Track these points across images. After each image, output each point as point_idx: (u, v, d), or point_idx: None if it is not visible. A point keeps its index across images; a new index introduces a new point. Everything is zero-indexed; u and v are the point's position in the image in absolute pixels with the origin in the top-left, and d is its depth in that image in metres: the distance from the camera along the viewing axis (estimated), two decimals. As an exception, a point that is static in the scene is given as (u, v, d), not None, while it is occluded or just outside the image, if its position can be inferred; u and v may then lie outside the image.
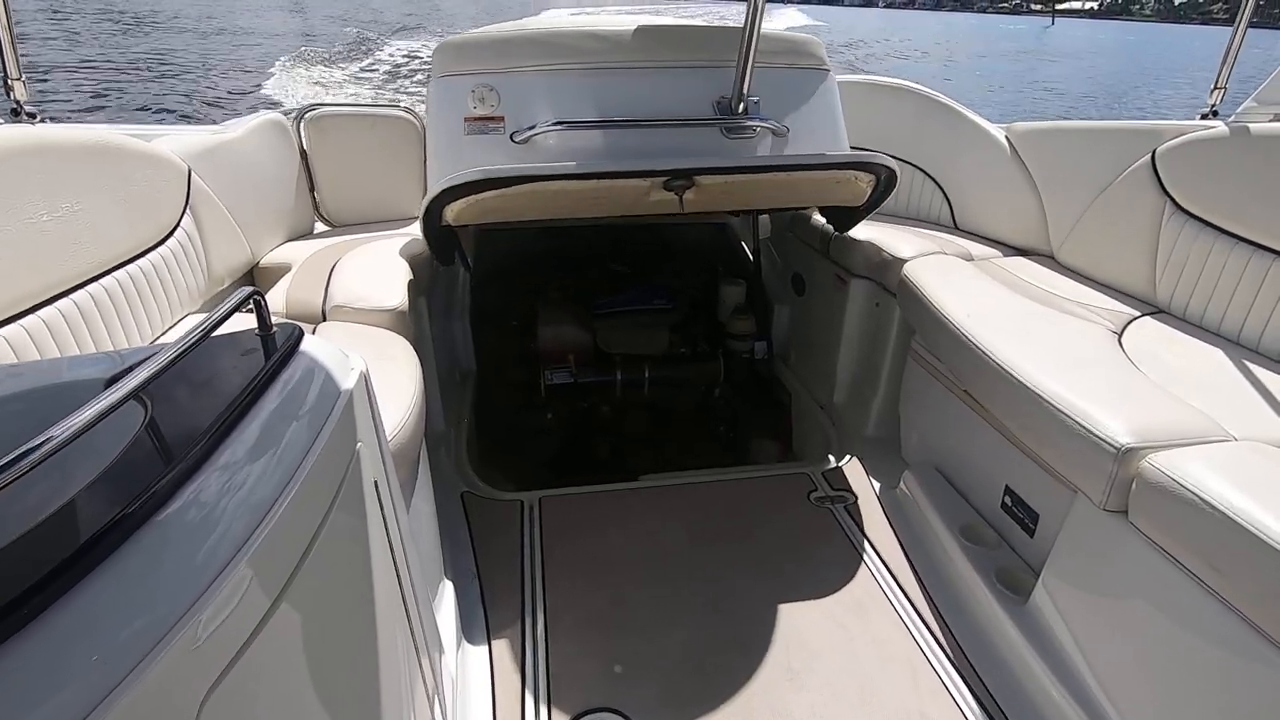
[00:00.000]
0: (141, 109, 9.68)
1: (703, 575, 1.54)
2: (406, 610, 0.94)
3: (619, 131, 1.53)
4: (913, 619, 1.44)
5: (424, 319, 1.89)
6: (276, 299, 1.61)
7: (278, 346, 0.73)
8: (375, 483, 0.83)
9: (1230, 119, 1.70)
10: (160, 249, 1.47)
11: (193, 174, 1.64)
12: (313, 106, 2.27)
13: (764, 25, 1.44)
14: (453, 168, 1.33)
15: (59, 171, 1.23)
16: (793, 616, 1.44)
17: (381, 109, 2.37)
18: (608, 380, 2.38)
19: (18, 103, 1.42)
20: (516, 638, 1.38)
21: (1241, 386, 1.36)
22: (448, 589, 1.40)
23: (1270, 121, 1.61)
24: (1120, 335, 1.55)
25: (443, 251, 1.81)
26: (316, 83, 12.16)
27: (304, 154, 2.26)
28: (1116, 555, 1.15)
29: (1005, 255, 2.09)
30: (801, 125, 1.62)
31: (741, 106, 1.54)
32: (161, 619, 0.47)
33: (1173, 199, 1.71)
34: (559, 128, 1.52)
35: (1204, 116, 1.82)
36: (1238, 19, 1.79)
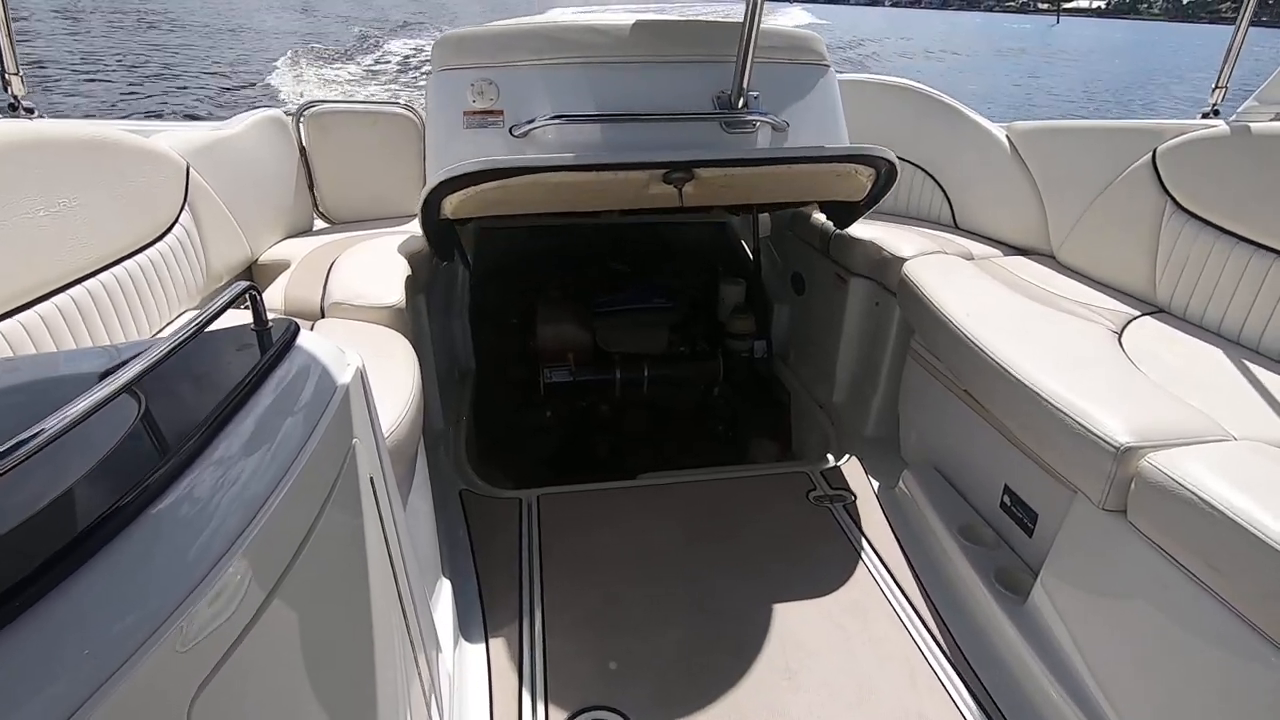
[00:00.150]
0: (151, 114, 9.69)
1: (701, 574, 1.54)
2: (403, 607, 0.93)
3: (618, 125, 1.53)
4: (911, 619, 1.44)
5: (423, 317, 1.88)
6: (275, 296, 1.61)
7: (273, 341, 0.72)
8: (371, 479, 0.82)
9: (1231, 118, 1.70)
10: (158, 245, 1.46)
11: (191, 170, 1.63)
12: (312, 103, 2.27)
13: (765, 22, 1.44)
14: (451, 161, 1.33)
15: (56, 167, 1.22)
16: (791, 616, 1.43)
17: (381, 105, 2.37)
18: (607, 379, 2.38)
19: (15, 98, 1.42)
20: (514, 636, 1.38)
21: (1241, 386, 1.35)
22: (445, 587, 1.39)
23: (1272, 121, 1.61)
24: (1120, 335, 1.55)
25: (442, 247, 1.81)
26: (318, 80, 12.16)
27: (303, 150, 2.26)
28: (1115, 555, 1.15)
29: (1005, 255, 2.08)
30: (801, 120, 1.62)
31: (741, 101, 1.54)
32: (153, 613, 0.46)
33: (1173, 198, 1.71)
34: (558, 121, 1.52)
35: (1205, 115, 1.81)
36: (1239, 18, 1.79)
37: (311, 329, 1.41)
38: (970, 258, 1.97)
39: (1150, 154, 1.77)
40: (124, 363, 0.55)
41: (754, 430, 2.48)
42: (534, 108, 1.53)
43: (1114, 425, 1.13)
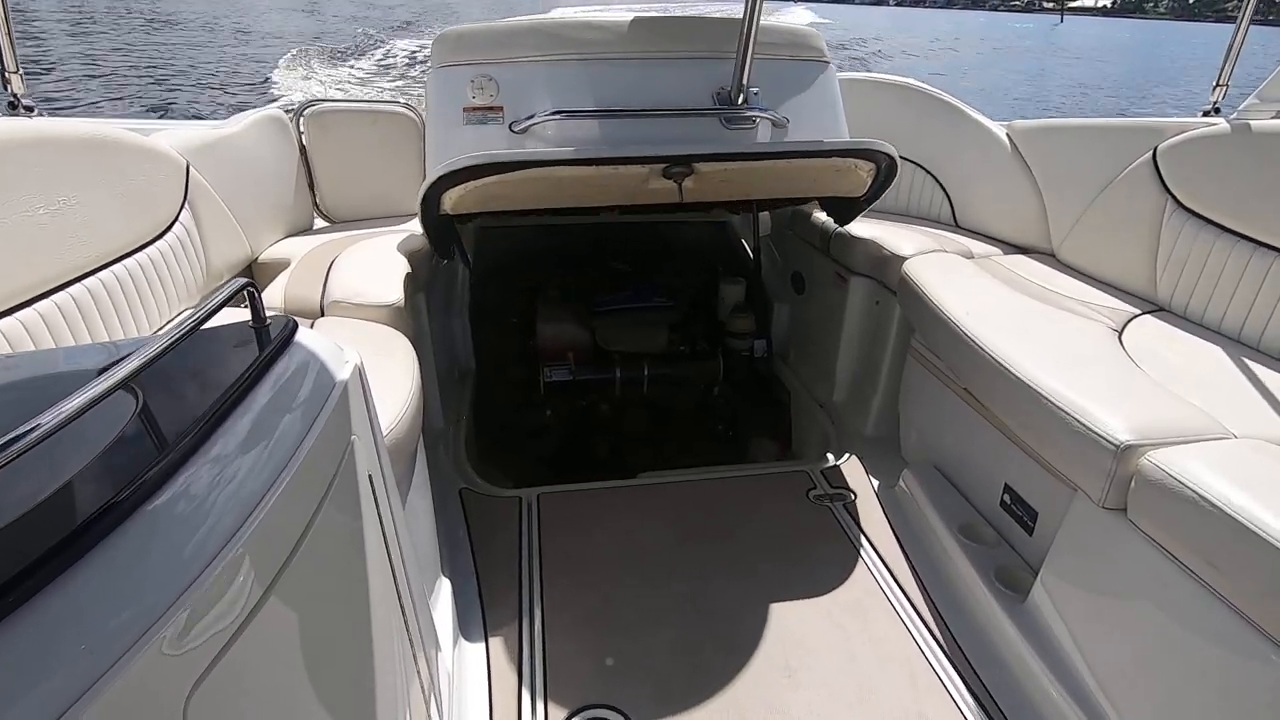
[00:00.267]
0: (154, 110, 9.71)
1: (701, 573, 1.53)
2: (402, 605, 0.93)
3: (618, 121, 1.53)
4: (911, 618, 1.44)
5: (423, 315, 1.88)
6: (275, 294, 1.61)
7: (271, 338, 0.72)
8: (370, 476, 0.82)
9: (1232, 116, 1.70)
10: (158, 244, 1.46)
11: (191, 169, 1.63)
12: (313, 102, 2.27)
13: (767, 20, 1.44)
14: (451, 156, 1.33)
15: (55, 165, 1.22)
16: (791, 615, 1.43)
17: (382, 104, 2.37)
18: (607, 378, 2.38)
19: (15, 96, 1.42)
20: (514, 635, 1.37)
21: (1242, 384, 1.35)
22: (445, 586, 1.39)
23: (1272, 118, 1.61)
24: (1120, 333, 1.55)
25: (441, 243, 1.80)
26: (320, 80, 12.18)
27: (303, 149, 2.26)
28: (1115, 553, 1.14)
29: (1006, 253, 2.08)
30: (801, 116, 1.62)
31: (741, 97, 1.54)
32: (149, 609, 0.46)
33: (1174, 196, 1.70)
34: (557, 117, 1.51)
35: (1206, 113, 1.81)
36: (1240, 17, 1.78)
37: (311, 327, 1.41)
38: (970, 256, 1.97)
39: (1151, 152, 1.77)
40: (121, 359, 0.55)
41: (754, 429, 2.48)
42: (534, 104, 1.53)
43: (1114, 423, 1.13)
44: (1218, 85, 1.81)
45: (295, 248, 1.95)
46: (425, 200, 1.41)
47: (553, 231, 2.64)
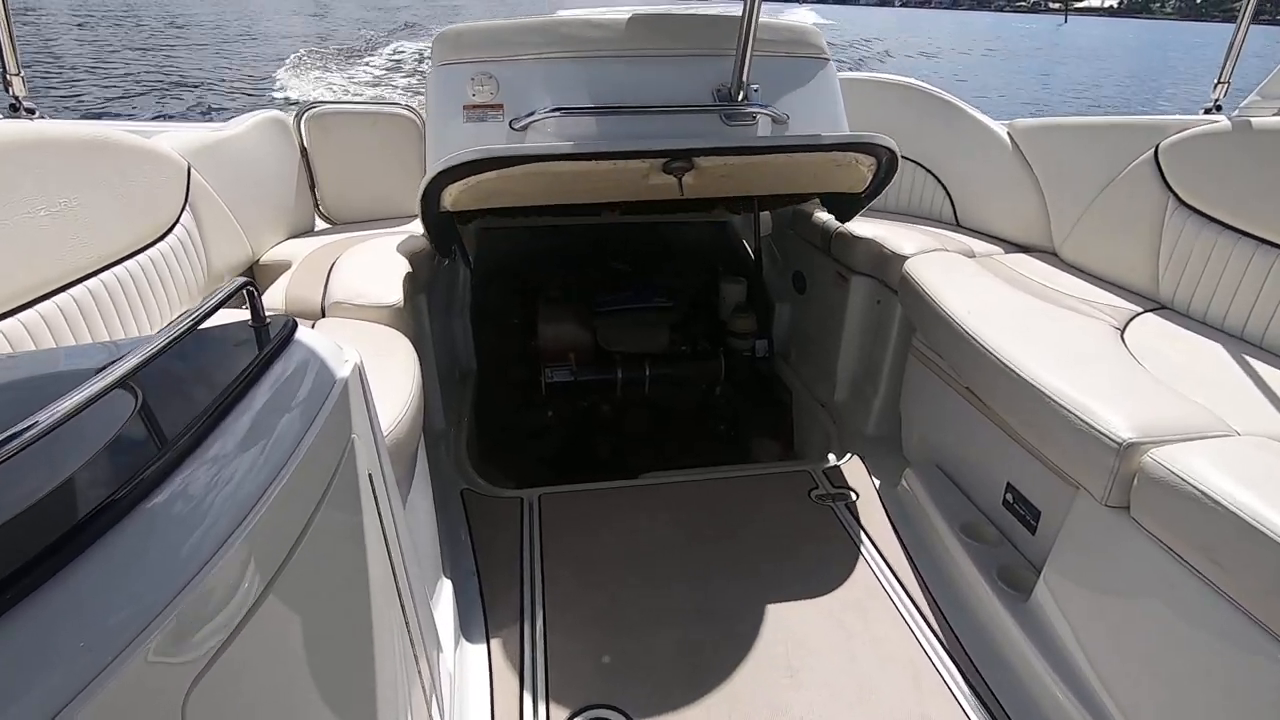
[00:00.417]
0: (159, 116, 9.78)
1: (703, 573, 1.53)
2: (402, 605, 0.93)
3: (618, 118, 1.53)
4: (913, 617, 1.43)
5: (424, 316, 1.88)
6: (276, 296, 1.61)
7: (271, 337, 0.72)
8: (370, 475, 0.82)
9: (1234, 113, 1.69)
10: (159, 245, 1.46)
11: (192, 171, 1.64)
12: (314, 104, 2.28)
13: (766, 17, 1.44)
14: (451, 153, 1.33)
15: (57, 167, 1.23)
16: (793, 615, 1.43)
17: (382, 106, 2.37)
18: (608, 378, 2.38)
19: (16, 98, 1.42)
20: (515, 635, 1.37)
21: (1245, 382, 1.35)
22: (446, 586, 1.39)
23: (1274, 116, 1.60)
24: (1123, 331, 1.54)
25: (442, 242, 1.80)
26: (324, 82, 12.23)
27: (304, 151, 2.26)
28: (1118, 551, 1.14)
29: (1007, 252, 2.08)
30: (801, 112, 1.61)
31: (741, 94, 1.53)
32: (148, 607, 0.46)
33: (1176, 194, 1.70)
34: (557, 114, 1.51)
35: (1207, 111, 1.80)
36: (1240, 15, 1.78)
37: (312, 328, 1.41)
38: (972, 255, 1.97)
39: (1152, 150, 1.76)
40: (119, 358, 0.55)
41: (755, 429, 2.48)
42: (534, 101, 1.53)
43: (1116, 421, 1.13)
44: (1219, 83, 1.81)
45: (296, 249, 1.95)
46: (425, 196, 1.41)
47: (554, 232, 2.64)
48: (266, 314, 0.75)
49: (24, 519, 0.47)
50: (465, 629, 1.38)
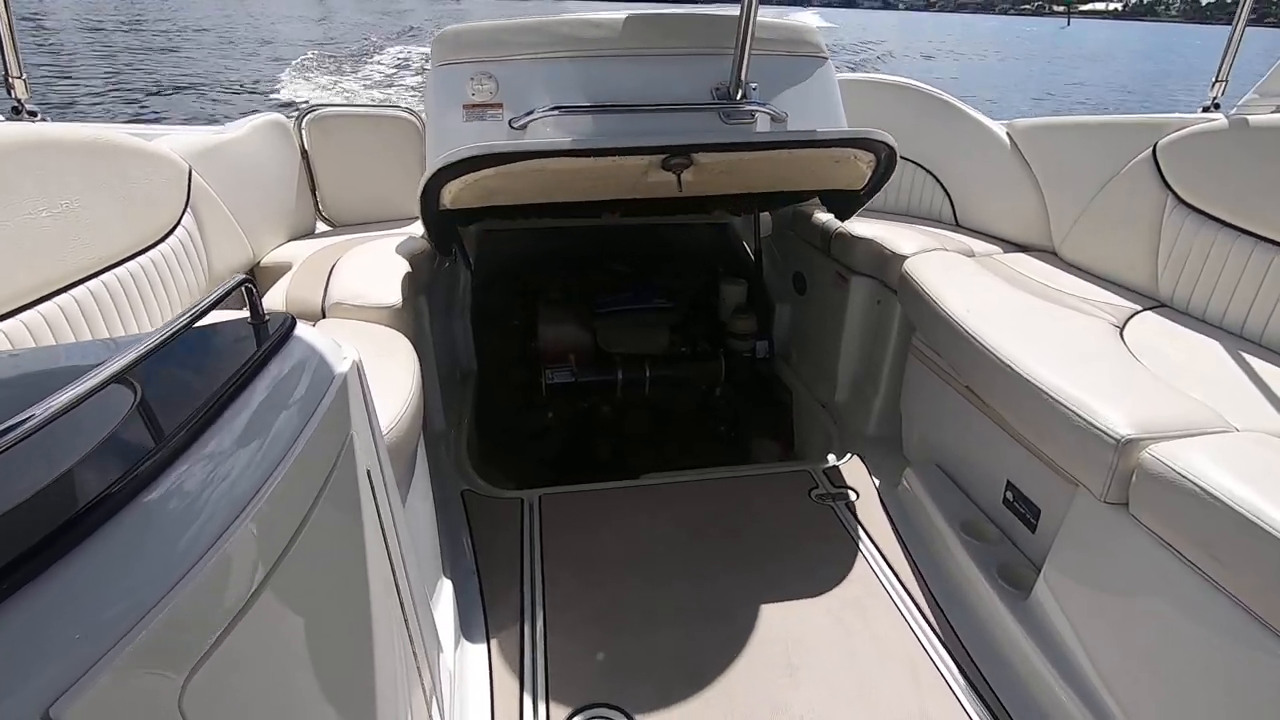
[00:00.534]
0: (161, 120, 9.84)
1: (703, 572, 1.53)
2: (402, 604, 0.93)
3: (617, 116, 1.54)
4: (914, 615, 1.43)
5: (424, 318, 1.89)
6: (276, 297, 1.62)
7: (269, 334, 0.73)
8: (369, 472, 0.82)
9: (1232, 111, 1.69)
10: (160, 247, 1.47)
11: (193, 173, 1.64)
12: (314, 107, 2.29)
13: (764, 16, 1.44)
14: (451, 151, 1.34)
15: (58, 168, 1.23)
16: (793, 613, 1.43)
17: (383, 109, 2.38)
18: (609, 380, 2.38)
19: (18, 101, 1.43)
20: (515, 635, 1.37)
21: (1244, 379, 1.35)
22: (446, 586, 1.39)
23: (1272, 113, 1.60)
24: (1122, 329, 1.54)
25: (441, 241, 1.81)
26: (327, 87, 12.31)
27: (305, 154, 2.27)
28: (1117, 548, 1.14)
29: (1006, 251, 2.08)
30: (800, 110, 1.62)
31: (740, 92, 1.54)
32: (143, 601, 0.46)
33: (1174, 193, 1.70)
34: (556, 112, 1.52)
35: (1205, 109, 1.81)
36: (1237, 14, 1.78)
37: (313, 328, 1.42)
38: (971, 255, 1.97)
39: (1151, 149, 1.76)
40: (118, 354, 0.55)
41: (756, 430, 2.48)
42: (533, 100, 1.53)
43: (1115, 417, 1.13)
44: (1217, 81, 1.81)
45: (297, 251, 1.96)
46: (425, 193, 1.41)
47: (554, 235, 2.64)
48: (265, 312, 0.75)
49: (20, 512, 0.47)
50: (465, 629, 1.38)
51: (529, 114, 1.51)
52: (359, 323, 1.47)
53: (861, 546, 1.62)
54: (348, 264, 1.70)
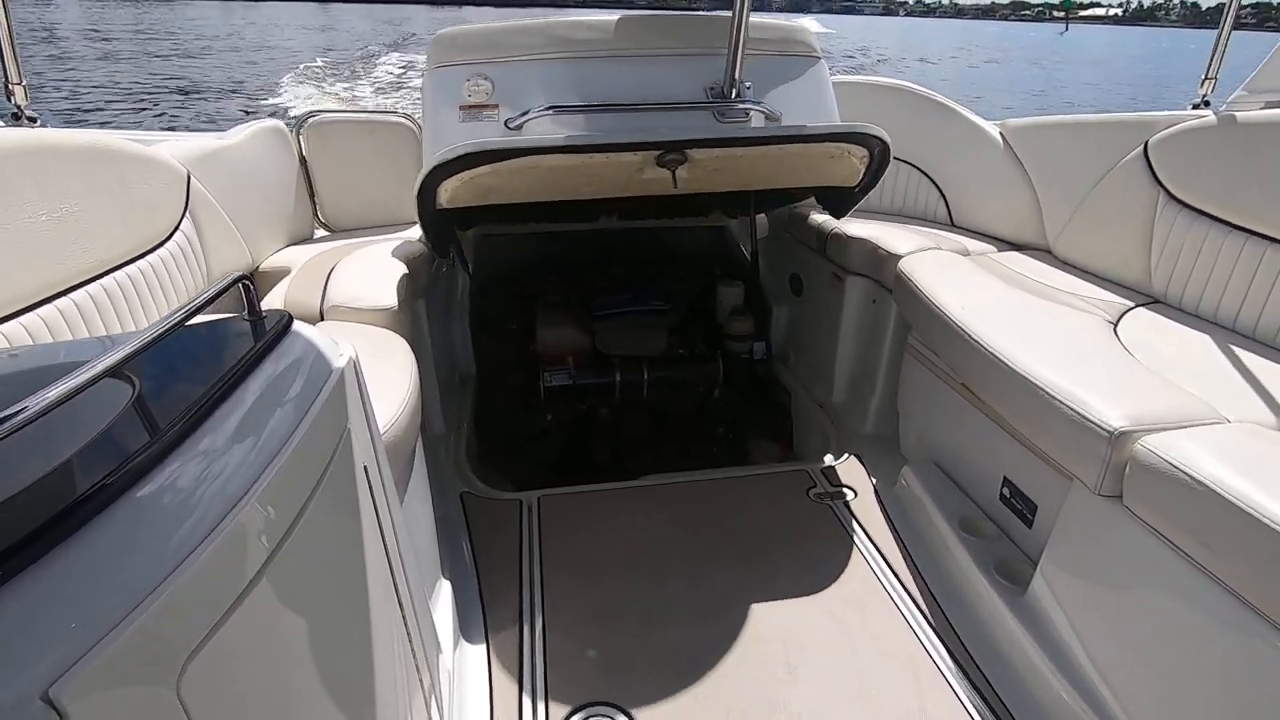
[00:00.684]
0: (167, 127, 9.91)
1: (701, 572, 1.53)
2: (400, 603, 0.94)
3: (612, 115, 1.55)
4: (912, 613, 1.43)
5: (422, 321, 1.90)
6: (275, 301, 1.62)
7: (266, 331, 0.74)
8: (365, 468, 0.83)
9: (1221, 108, 1.71)
10: (159, 251, 1.48)
11: (192, 178, 1.65)
12: (312, 113, 2.30)
13: (757, 17, 1.46)
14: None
15: (58, 173, 1.24)
16: (791, 612, 1.43)
17: (380, 115, 2.40)
18: (607, 382, 2.39)
19: (18, 107, 1.44)
20: (514, 635, 1.38)
21: (1236, 371, 1.35)
22: (445, 587, 1.39)
23: (1260, 110, 1.62)
24: (1116, 325, 1.55)
25: (439, 241, 1.82)
26: (328, 93, 12.40)
27: (303, 160, 2.28)
28: (1112, 540, 1.14)
29: (1001, 250, 2.09)
30: (794, 109, 1.63)
31: (734, 91, 1.56)
32: (135, 593, 0.46)
33: (1166, 189, 1.71)
34: (551, 112, 1.53)
35: (1195, 106, 1.82)
36: (1224, 14, 1.80)
37: None
38: (966, 254, 1.98)
39: (1142, 146, 1.78)
40: (113, 349, 0.56)
41: (754, 431, 2.48)
42: (528, 101, 1.55)
43: (1108, 410, 1.13)
44: (1206, 79, 1.83)
45: (296, 256, 1.97)
46: (422, 191, 1.42)
47: (552, 239, 2.65)
48: (262, 309, 0.76)
49: (16, 501, 0.47)
50: (464, 629, 1.38)
51: (524, 114, 1.53)
52: (357, 325, 1.48)
53: (860, 545, 1.62)
54: (346, 267, 1.71)
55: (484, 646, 1.35)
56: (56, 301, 1.17)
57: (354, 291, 1.54)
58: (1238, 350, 1.44)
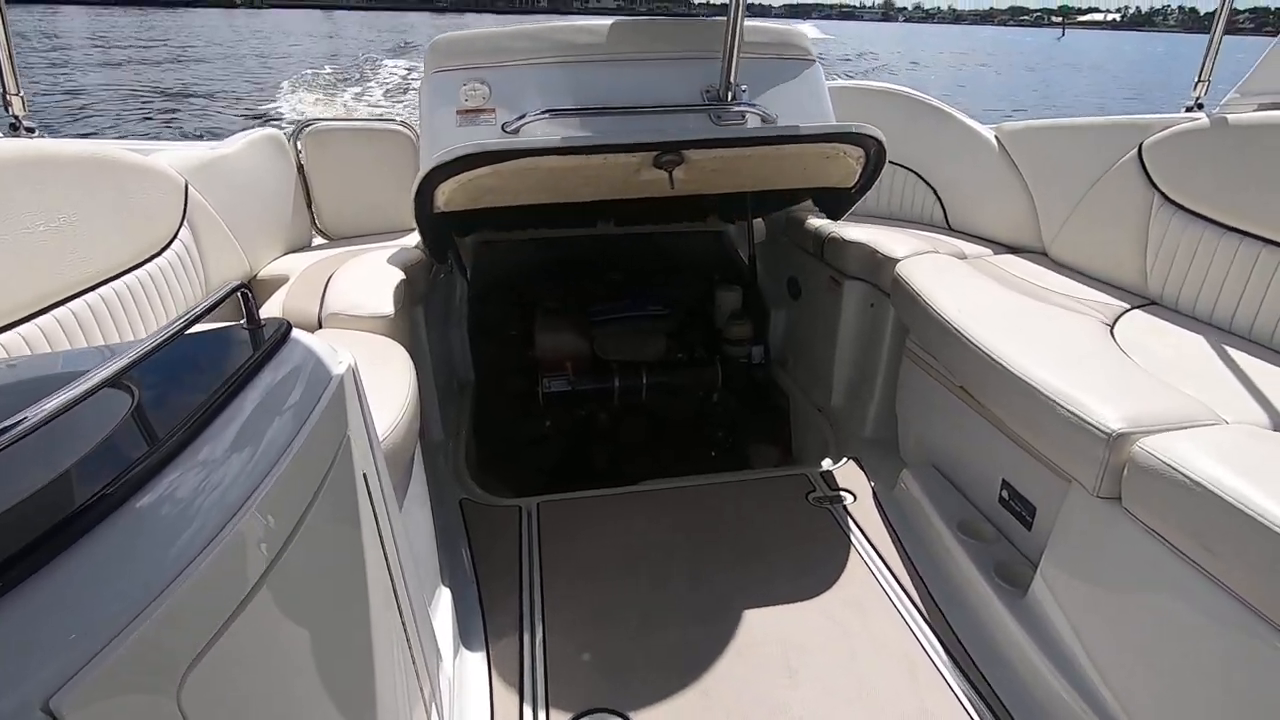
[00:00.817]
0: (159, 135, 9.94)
1: (701, 576, 1.53)
2: (400, 611, 0.94)
3: (609, 118, 1.56)
4: (912, 615, 1.43)
5: (420, 328, 1.90)
6: (273, 309, 1.63)
7: (265, 339, 0.74)
8: (364, 475, 0.83)
9: (1214, 110, 1.72)
10: (157, 260, 1.48)
11: (190, 188, 1.66)
12: (310, 121, 2.31)
13: (753, 21, 1.47)
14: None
15: (56, 183, 1.25)
16: (791, 615, 1.43)
17: (378, 123, 2.40)
18: (606, 387, 2.39)
19: (16, 118, 1.45)
20: (514, 641, 1.37)
21: (1233, 372, 1.36)
22: (444, 594, 1.39)
23: (1253, 111, 1.63)
24: (1112, 327, 1.56)
25: (436, 246, 1.82)
26: (329, 101, 12.45)
27: (301, 168, 2.29)
28: (1111, 542, 1.15)
29: (997, 253, 2.10)
30: (789, 111, 1.64)
31: (730, 94, 1.56)
32: (134, 603, 0.47)
33: (1160, 191, 1.72)
34: (547, 115, 1.54)
35: (1188, 109, 1.83)
36: (1216, 18, 1.81)
37: None
38: (963, 257, 1.99)
39: (1136, 148, 1.79)
40: (112, 359, 0.56)
41: (753, 436, 2.48)
42: (525, 105, 1.56)
43: (1106, 412, 1.14)
44: (1199, 81, 1.84)
45: (294, 264, 1.97)
46: (420, 194, 1.42)
47: (550, 245, 2.66)
48: (261, 317, 0.76)
49: (16, 512, 0.47)
50: (464, 636, 1.38)
51: (521, 117, 1.54)
52: (355, 332, 1.48)
53: (859, 548, 1.62)
54: (344, 275, 1.71)
55: (484, 653, 1.35)
56: (55, 311, 1.17)
57: (352, 299, 1.54)
58: (1234, 351, 1.44)
